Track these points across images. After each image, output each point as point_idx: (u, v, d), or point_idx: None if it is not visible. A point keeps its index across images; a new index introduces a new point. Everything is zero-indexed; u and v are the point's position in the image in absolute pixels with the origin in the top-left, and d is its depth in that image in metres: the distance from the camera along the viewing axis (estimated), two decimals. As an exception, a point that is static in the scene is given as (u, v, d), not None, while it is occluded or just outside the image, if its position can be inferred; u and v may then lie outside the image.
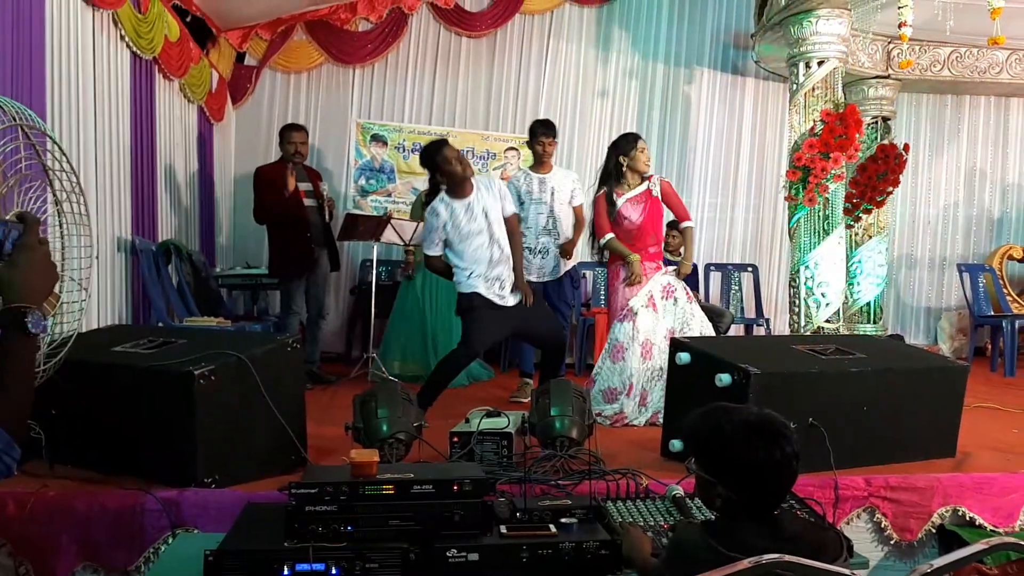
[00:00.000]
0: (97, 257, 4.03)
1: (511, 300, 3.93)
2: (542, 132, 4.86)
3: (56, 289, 2.16)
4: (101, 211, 4.21)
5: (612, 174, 4.32)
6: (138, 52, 4.60)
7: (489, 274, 3.86)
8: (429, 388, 3.78)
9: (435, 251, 3.92)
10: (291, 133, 5.01)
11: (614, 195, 4.30)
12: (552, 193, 4.83)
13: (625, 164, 4.27)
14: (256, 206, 4.99)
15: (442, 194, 3.90)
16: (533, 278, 4.59)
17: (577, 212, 5.00)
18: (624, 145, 4.32)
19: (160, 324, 4.38)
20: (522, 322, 3.98)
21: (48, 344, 2.10)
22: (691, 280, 6.40)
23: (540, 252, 4.81)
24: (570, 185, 4.95)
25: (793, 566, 1.32)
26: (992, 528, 2.83)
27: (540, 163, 4.91)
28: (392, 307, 5.54)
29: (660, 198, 4.34)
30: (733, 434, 1.62)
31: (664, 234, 6.39)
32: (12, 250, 1.38)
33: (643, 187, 4.31)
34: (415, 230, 5.21)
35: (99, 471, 2.73)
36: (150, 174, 4.93)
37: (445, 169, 3.82)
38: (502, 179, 5.53)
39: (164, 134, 5.20)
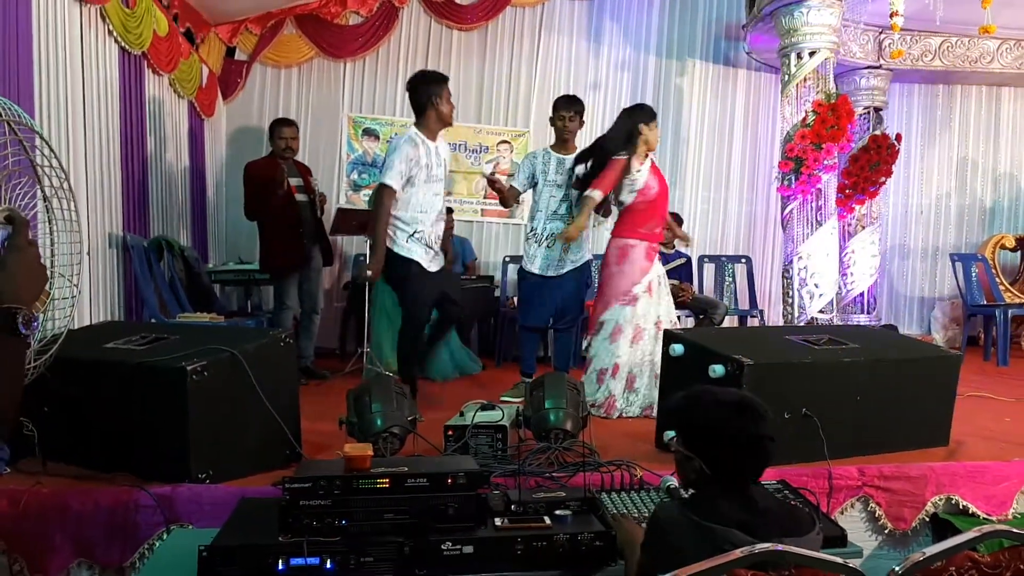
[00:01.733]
0: (88, 253, 4.03)
1: (435, 265, 3.99)
2: (563, 106, 4.44)
3: (46, 286, 2.15)
4: (92, 207, 4.19)
5: (632, 140, 4.08)
6: (127, 47, 4.57)
7: (432, 232, 3.93)
8: (403, 367, 4.00)
9: (397, 183, 3.77)
10: (281, 128, 4.98)
11: (634, 164, 4.06)
12: (570, 176, 4.35)
13: (643, 134, 4.09)
14: (247, 202, 4.97)
15: (414, 129, 3.86)
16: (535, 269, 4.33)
17: None
18: (644, 115, 4.15)
19: (152, 320, 4.37)
20: (446, 287, 4.04)
21: (38, 341, 2.10)
22: (685, 271, 6.42)
23: (547, 239, 4.34)
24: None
25: (782, 554, 1.32)
26: (985, 516, 2.85)
27: (561, 142, 4.45)
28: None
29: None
30: (710, 407, 1.71)
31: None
32: (1, 251, 1.38)
33: (649, 162, 4.19)
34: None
35: (92, 468, 2.71)
36: (141, 170, 4.91)
37: (440, 108, 3.83)
38: (498, 174, 5.47)
39: (154, 129, 5.18)
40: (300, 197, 5.00)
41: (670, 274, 6.28)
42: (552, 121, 4.50)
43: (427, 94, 3.88)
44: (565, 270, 4.35)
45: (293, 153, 5.02)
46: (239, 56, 6.74)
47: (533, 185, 4.44)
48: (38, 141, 2.09)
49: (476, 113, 6.99)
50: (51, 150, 2.13)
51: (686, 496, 1.94)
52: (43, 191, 2.15)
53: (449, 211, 6.37)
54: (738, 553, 1.31)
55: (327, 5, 6.66)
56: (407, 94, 4.03)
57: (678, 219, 6.49)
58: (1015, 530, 1.39)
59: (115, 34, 4.42)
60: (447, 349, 5.20)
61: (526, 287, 4.47)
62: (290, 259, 4.90)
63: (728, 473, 1.66)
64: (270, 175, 4.79)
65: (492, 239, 7.10)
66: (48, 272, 1.53)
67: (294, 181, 4.95)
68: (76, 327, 3.49)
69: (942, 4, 5.48)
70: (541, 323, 4.53)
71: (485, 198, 7.00)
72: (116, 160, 4.53)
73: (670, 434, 2.96)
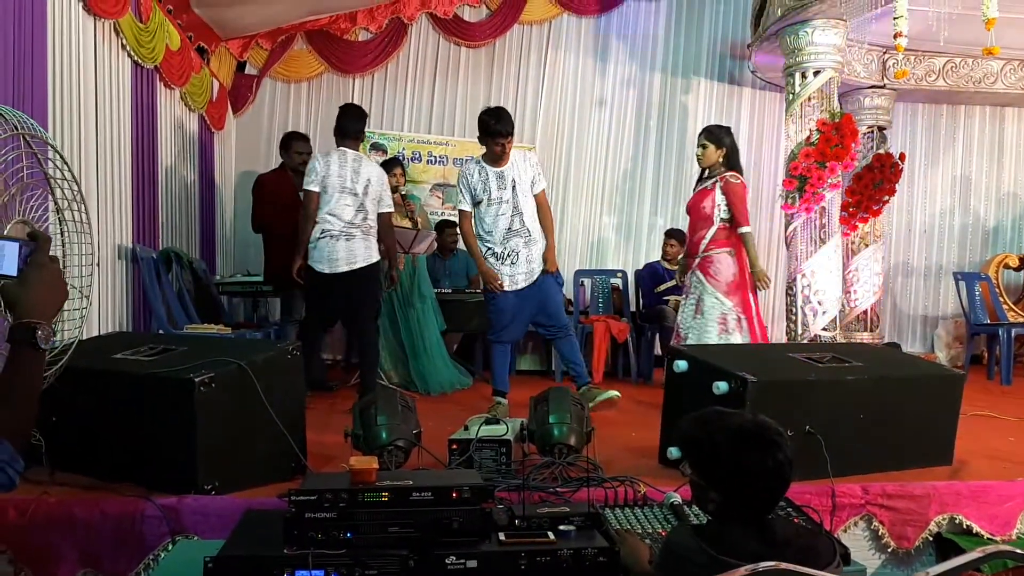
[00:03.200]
0: (98, 265, 4.06)
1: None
2: (502, 130, 4.18)
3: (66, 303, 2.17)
4: (102, 219, 4.23)
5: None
6: (139, 61, 4.62)
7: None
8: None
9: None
10: (298, 143, 5.06)
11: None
12: (513, 187, 4.24)
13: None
14: (254, 214, 5.01)
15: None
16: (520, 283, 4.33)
17: (540, 201, 4.38)
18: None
19: (160, 331, 4.39)
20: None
21: (49, 351, 2.12)
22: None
23: (509, 257, 4.28)
24: (531, 172, 4.34)
25: (788, 574, 1.32)
26: (989, 536, 2.84)
27: (495, 157, 4.25)
28: None
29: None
30: (725, 441, 1.64)
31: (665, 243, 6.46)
32: (24, 267, 1.41)
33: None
34: (414, 238, 5.23)
35: (99, 478, 2.72)
36: (151, 182, 4.95)
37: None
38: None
39: (165, 142, 5.23)
40: None
41: (673, 291, 6.33)
42: (487, 143, 4.23)
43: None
44: (535, 277, 4.33)
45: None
46: (249, 71, 6.80)
47: (475, 203, 4.31)
48: (51, 153, 2.12)
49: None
50: (64, 162, 2.16)
51: (700, 522, 1.94)
52: (56, 203, 2.18)
53: (453, 224, 6.42)
54: (742, 571, 1.32)
55: (337, 21, 6.73)
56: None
57: (682, 235, 6.52)
58: (1018, 551, 1.40)
59: (128, 48, 4.48)
60: (436, 363, 5.23)
61: (500, 303, 4.33)
62: (295, 273, 4.92)
63: (749, 506, 1.64)
64: (282, 188, 4.85)
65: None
66: (67, 288, 1.56)
67: None
68: (85, 337, 3.52)
69: (946, 25, 5.50)
70: (518, 336, 4.52)
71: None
72: (127, 172, 4.57)
73: (674, 452, 2.98)
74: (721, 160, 4.49)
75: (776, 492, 1.66)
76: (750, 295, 4.45)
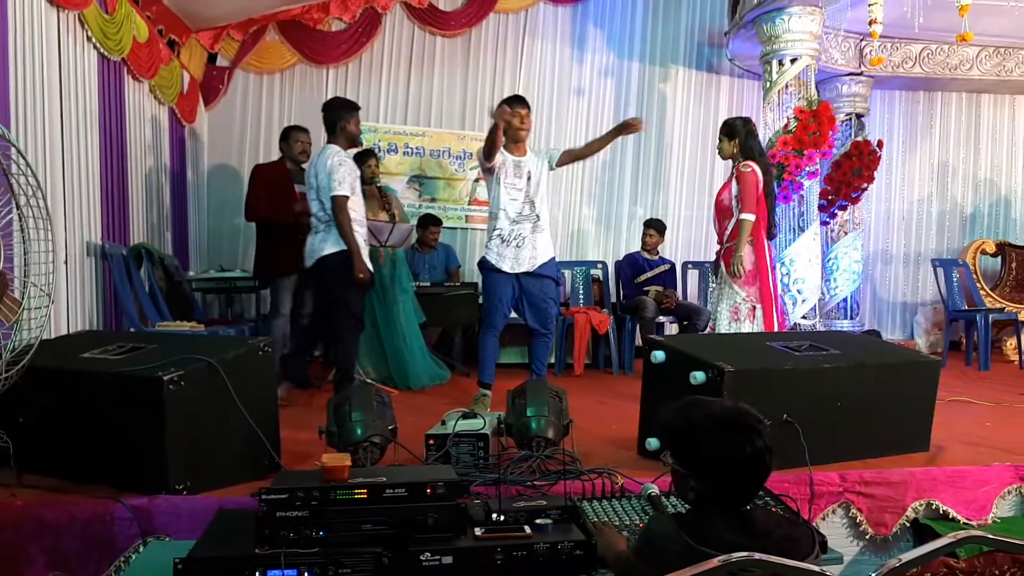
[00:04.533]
0: (66, 262, 3.99)
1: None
2: (519, 104, 4.29)
3: (18, 295, 2.12)
4: (70, 215, 4.14)
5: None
6: (106, 53, 4.53)
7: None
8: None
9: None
10: (299, 133, 5.05)
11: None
12: (528, 178, 4.32)
13: None
14: (248, 203, 4.95)
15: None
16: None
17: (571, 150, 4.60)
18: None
19: (132, 329, 4.32)
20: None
21: (11, 351, 2.07)
22: (669, 278, 6.44)
23: (515, 240, 4.31)
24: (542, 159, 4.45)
25: (764, 564, 1.31)
26: (965, 521, 2.86)
27: (515, 142, 4.33)
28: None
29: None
30: (705, 429, 1.64)
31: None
32: None
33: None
34: (390, 231, 5.17)
35: (68, 479, 2.67)
36: (120, 177, 4.87)
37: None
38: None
39: (134, 136, 5.13)
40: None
41: (654, 280, 6.33)
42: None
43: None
44: (538, 265, 4.33)
45: (307, 158, 5.04)
46: (221, 62, 6.70)
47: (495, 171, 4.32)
48: (12, 152, 2.06)
49: (460, 119, 6.98)
50: (25, 161, 2.10)
51: (681, 511, 1.93)
52: (16, 201, 2.12)
53: (437, 222, 6.36)
54: (715, 562, 1.30)
55: (309, 11, 6.64)
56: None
57: (661, 225, 6.52)
58: (989, 535, 1.39)
59: (94, 40, 4.38)
60: (416, 358, 5.19)
61: (496, 283, 4.31)
62: (287, 265, 4.86)
63: (729, 493, 1.64)
64: (276, 179, 4.85)
65: (477, 246, 7.08)
66: (6, 279, 1.51)
67: (300, 188, 4.96)
68: (53, 336, 3.45)
69: (921, 12, 5.53)
70: (504, 321, 4.43)
71: (469, 204, 7.00)
72: (95, 168, 4.48)
73: (653, 443, 2.97)
74: (737, 151, 4.48)
75: (756, 480, 1.65)
76: (771, 285, 4.47)
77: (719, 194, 4.62)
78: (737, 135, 4.49)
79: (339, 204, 4.18)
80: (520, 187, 4.31)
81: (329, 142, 4.41)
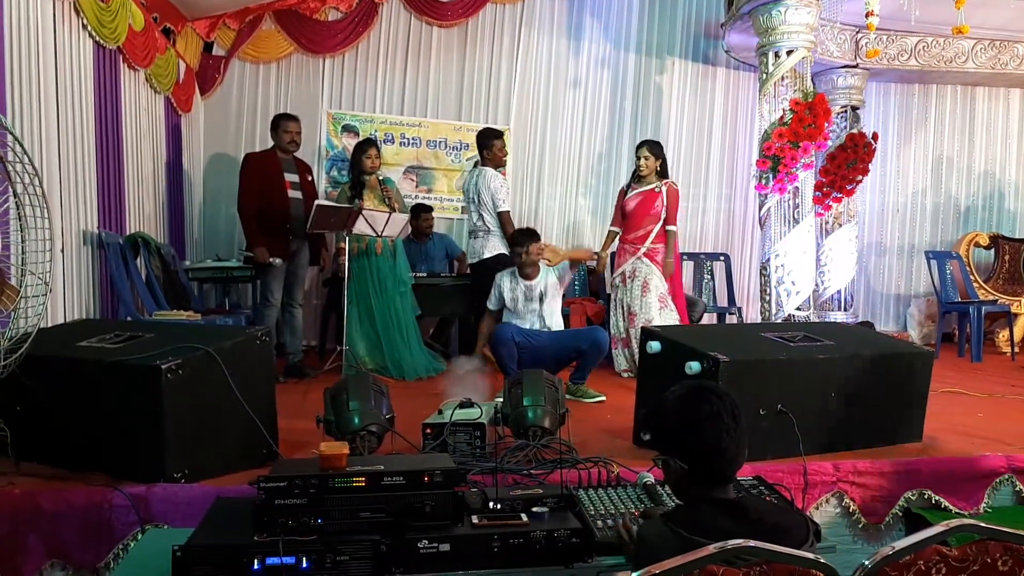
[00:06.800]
0: (63, 251, 3.98)
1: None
2: (527, 239, 4.56)
3: (15, 283, 2.12)
4: (66, 205, 4.12)
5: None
6: (101, 42, 4.51)
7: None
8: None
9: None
10: (287, 123, 5.01)
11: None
12: (540, 299, 4.57)
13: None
14: (240, 192, 4.94)
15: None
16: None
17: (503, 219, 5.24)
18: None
19: (128, 318, 4.32)
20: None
21: (8, 339, 2.07)
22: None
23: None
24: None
25: (760, 551, 1.32)
26: (957, 511, 2.89)
27: (524, 269, 4.57)
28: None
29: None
30: (668, 402, 1.74)
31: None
32: None
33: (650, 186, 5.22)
34: (387, 220, 5.17)
35: (66, 468, 2.68)
36: (116, 166, 4.85)
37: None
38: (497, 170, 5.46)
39: (130, 125, 5.11)
40: (294, 194, 5.00)
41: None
42: (518, 254, 4.55)
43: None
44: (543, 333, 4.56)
45: (296, 148, 5.02)
46: (217, 51, 6.67)
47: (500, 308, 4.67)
48: (9, 139, 2.06)
49: (456, 110, 6.98)
50: (22, 148, 2.10)
51: (667, 510, 1.94)
52: (13, 188, 2.12)
53: (428, 209, 6.38)
54: (711, 549, 1.31)
55: (306, 0, 6.62)
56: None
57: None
58: (982, 524, 1.41)
59: (89, 28, 4.36)
60: (413, 350, 5.20)
61: (502, 331, 4.37)
62: (273, 253, 4.86)
63: (704, 464, 1.66)
64: (267, 168, 4.85)
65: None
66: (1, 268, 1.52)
67: (290, 177, 4.96)
68: (50, 325, 3.45)
69: (917, 4, 5.53)
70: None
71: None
72: (91, 156, 4.47)
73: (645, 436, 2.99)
74: (658, 168, 5.26)
75: (723, 444, 1.65)
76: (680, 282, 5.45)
77: (645, 201, 5.22)
78: (661, 156, 5.29)
79: (505, 218, 5.20)
80: (532, 308, 4.59)
81: (483, 164, 5.28)
